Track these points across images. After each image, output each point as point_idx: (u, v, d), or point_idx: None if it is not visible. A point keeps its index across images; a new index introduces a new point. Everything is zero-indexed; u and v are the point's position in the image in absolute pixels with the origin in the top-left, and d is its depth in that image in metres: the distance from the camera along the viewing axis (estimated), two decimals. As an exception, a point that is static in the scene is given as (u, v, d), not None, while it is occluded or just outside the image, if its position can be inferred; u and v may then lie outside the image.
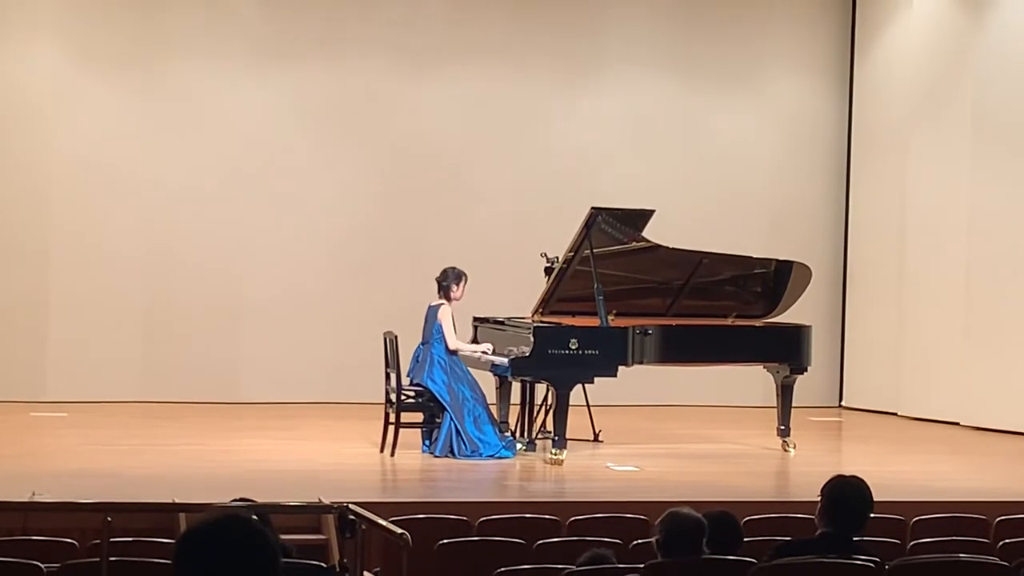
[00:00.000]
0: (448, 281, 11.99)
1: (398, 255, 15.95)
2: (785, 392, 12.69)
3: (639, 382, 13.63)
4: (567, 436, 11.64)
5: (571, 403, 11.68)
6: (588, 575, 6.24)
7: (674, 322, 12.37)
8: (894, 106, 16.49)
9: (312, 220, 15.86)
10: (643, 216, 12.35)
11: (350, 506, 6.01)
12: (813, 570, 6.11)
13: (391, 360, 11.86)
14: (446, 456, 11.64)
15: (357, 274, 15.93)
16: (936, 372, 15.53)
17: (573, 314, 12.38)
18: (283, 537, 5.95)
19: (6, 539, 7.12)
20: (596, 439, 12.95)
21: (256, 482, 9.65)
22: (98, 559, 5.95)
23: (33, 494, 8.39)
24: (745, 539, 6.56)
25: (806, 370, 12.72)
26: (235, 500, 6.04)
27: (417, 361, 11.96)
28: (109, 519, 5.95)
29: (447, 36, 16.21)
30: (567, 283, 12.29)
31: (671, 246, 12.38)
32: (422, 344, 11.99)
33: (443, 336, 11.83)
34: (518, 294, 13.26)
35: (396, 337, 11.90)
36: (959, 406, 15.17)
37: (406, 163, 16.06)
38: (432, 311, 11.99)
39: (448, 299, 11.97)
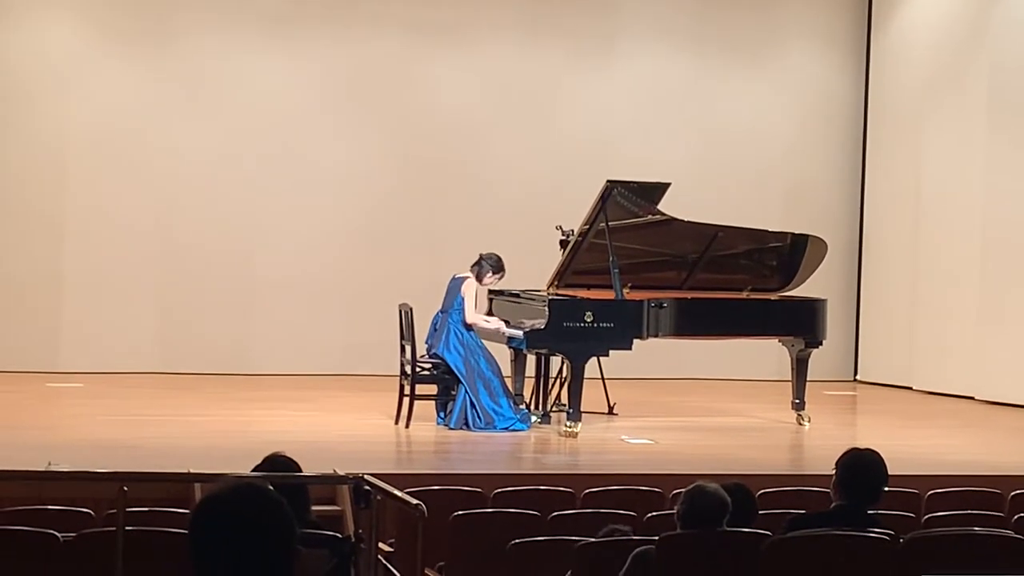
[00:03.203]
0: (486, 264, 11.98)
1: (413, 228, 15.95)
2: (800, 366, 12.68)
3: (654, 355, 13.63)
4: (582, 409, 11.65)
5: (586, 376, 11.70)
6: (602, 545, 6.25)
7: (689, 295, 12.35)
8: (911, 80, 16.42)
9: (327, 193, 15.86)
10: (659, 189, 12.32)
11: (365, 477, 6.00)
12: (827, 543, 6.12)
13: (406, 332, 11.87)
14: (461, 428, 11.66)
15: (372, 246, 15.93)
16: (950, 346, 15.50)
17: (588, 287, 12.37)
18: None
19: (22, 508, 7.15)
20: (611, 412, 12.95)
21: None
22: (114, 528, 5.96)
23: (49, 464, 8.42)
24: (760, 512, 6.56)
25: (821, 344, 12.70)
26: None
27: (435, 328, 11.97)
28: (125, 489, 5.95)
29: (462, 11, 16.16)
30: (582, 256, 12.28)
31: (686, 219, 12.36)
32: (441, 312, 11.99)
33: (463, 308, 11.84)
34: (533, 267, 13.24)
35: (411, 309, 11.91)
36: (973, 380, 15.14)
37: (420, 137, 16.04)
38: (457, 282, 11.98)
39: (477, 278, 11.97)
